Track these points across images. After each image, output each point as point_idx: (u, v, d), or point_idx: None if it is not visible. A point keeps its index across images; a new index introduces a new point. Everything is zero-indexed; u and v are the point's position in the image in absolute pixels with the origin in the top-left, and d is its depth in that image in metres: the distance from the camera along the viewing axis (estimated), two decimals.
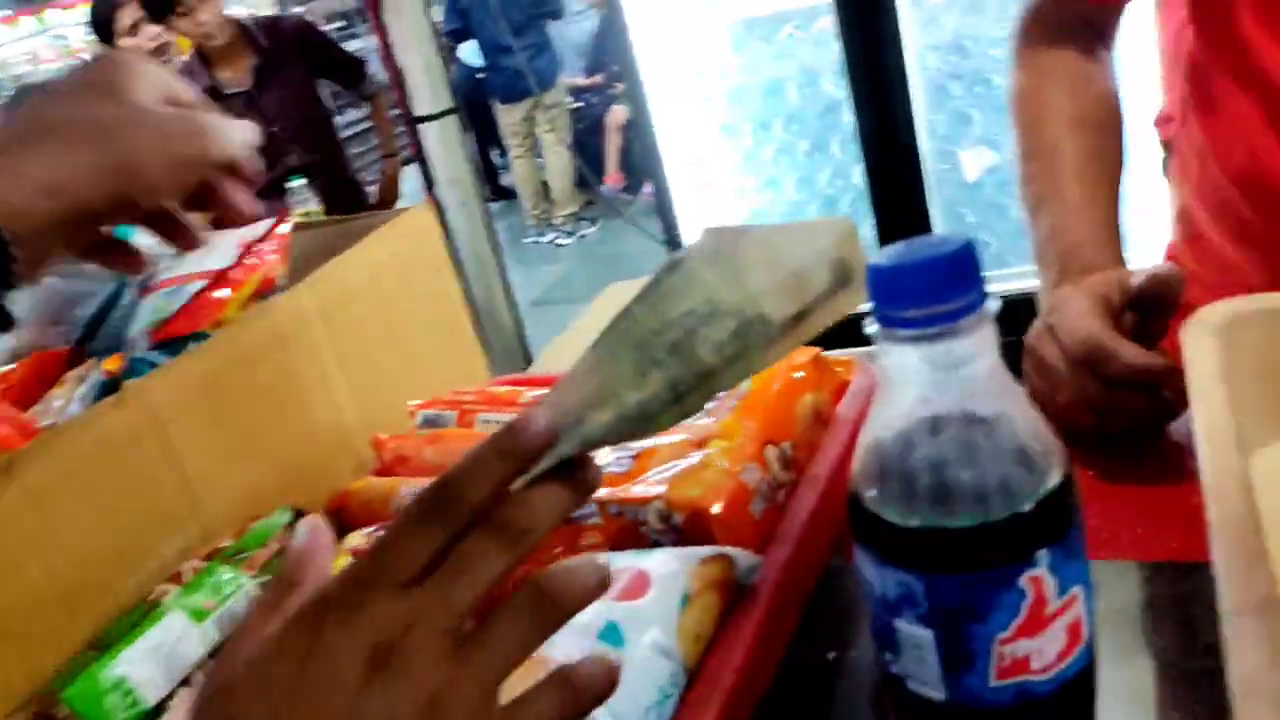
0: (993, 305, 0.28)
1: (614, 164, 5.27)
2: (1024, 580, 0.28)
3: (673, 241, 2.24)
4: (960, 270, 0.28)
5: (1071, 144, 0.68)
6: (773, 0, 2.14)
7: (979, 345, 0.28)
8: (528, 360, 2.82)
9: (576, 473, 0.31)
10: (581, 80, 5.45)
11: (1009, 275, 2.14)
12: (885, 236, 2.09)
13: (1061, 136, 0.68)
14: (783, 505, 0.49)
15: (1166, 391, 0.52)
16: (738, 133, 2.21)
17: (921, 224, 2.06)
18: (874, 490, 0.30)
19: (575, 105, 5.36)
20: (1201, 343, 0.50)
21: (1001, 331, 0.30)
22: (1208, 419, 0.44)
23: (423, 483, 0.59)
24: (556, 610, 0.29)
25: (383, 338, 0.73)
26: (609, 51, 5.30)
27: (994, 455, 0.29)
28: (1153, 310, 0.54)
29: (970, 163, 2.08)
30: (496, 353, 2.46)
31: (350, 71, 2.78)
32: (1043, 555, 0.28)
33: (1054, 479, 0.29)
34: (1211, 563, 0.37)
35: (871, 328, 0.30)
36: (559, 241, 5.18)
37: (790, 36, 2.13)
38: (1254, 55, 0.60)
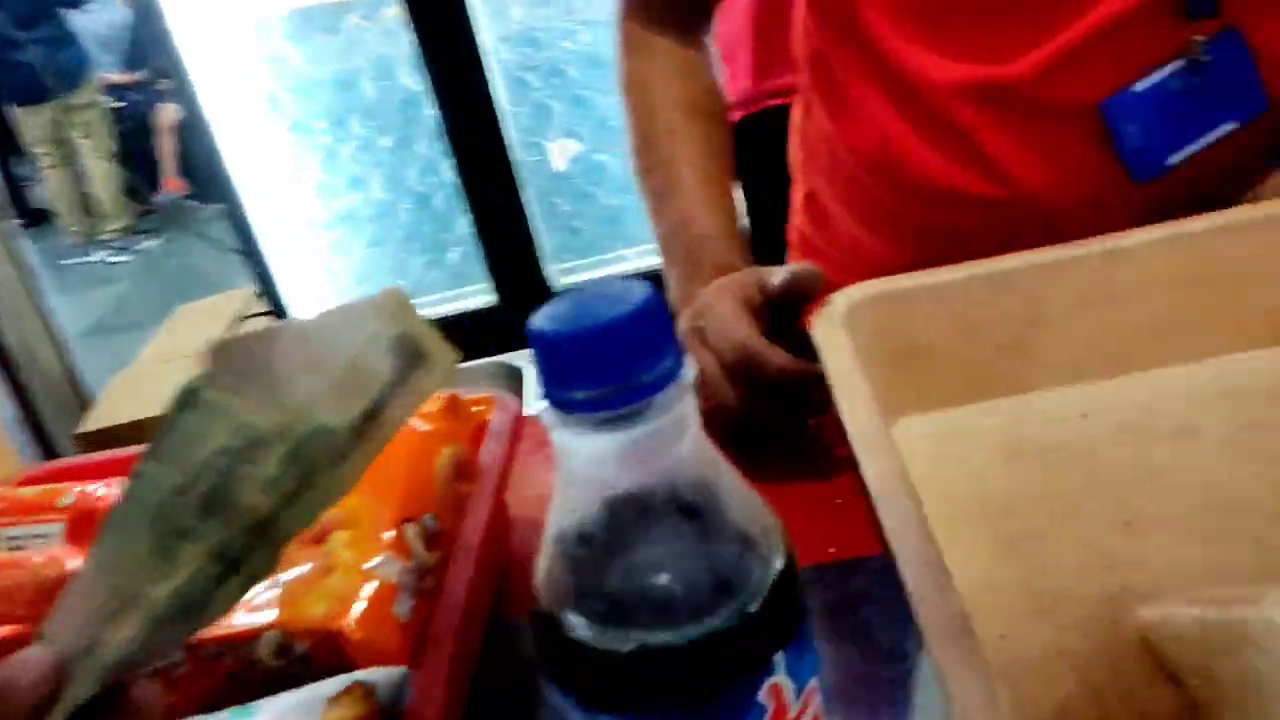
0: (689, 371, 0.23)
1: (171, 168, 4.71)
2: (763, 693, 0.23)
3: (250, 251, 2.02)
4: (648, 333, 0.22)
5: (686, 133, 0.67)
6: None
7: (678, 421, 0.22)
8: (83, 403, 2.40)
9: (118, 703, 0.21)
10: (118, 77, 4.78)
11: (607, 260, 2.21)
12: (483, 230, 2.06)
13: (676, 125, 0.67)
14: (432, 591, 0.40)
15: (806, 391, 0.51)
16: (310, 130, 2.04)
17: (516, 215, 2.05)
18: (568, 609, 0.24)
19: (115, 105, 4.70)
20: (830, 329, 0.50)
21: None
22: (849, 396, 0.44)
23: None
24: None
25: None
26: (146, 44, 4.71)
27: (711, 547, 0.23)
28: (789, 307, 0.53)
29: (557, 153, 2.11)
30: (40, 399, 2.06)
31: None
32: (779, 658, 0.23)
33: (779, 562, 0.24)
34: (890, 556, 0.36)
35: (540, 404, 0.23)
36: (110, 260, 4.53)
37: (356, 26, 1.99)
38: (880, 49, 0.62)
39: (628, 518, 0.23)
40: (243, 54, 1.97)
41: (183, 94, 1.96)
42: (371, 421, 0.28)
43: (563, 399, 0.22)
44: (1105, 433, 0.50)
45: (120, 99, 4.76)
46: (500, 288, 2.11)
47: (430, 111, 1.95)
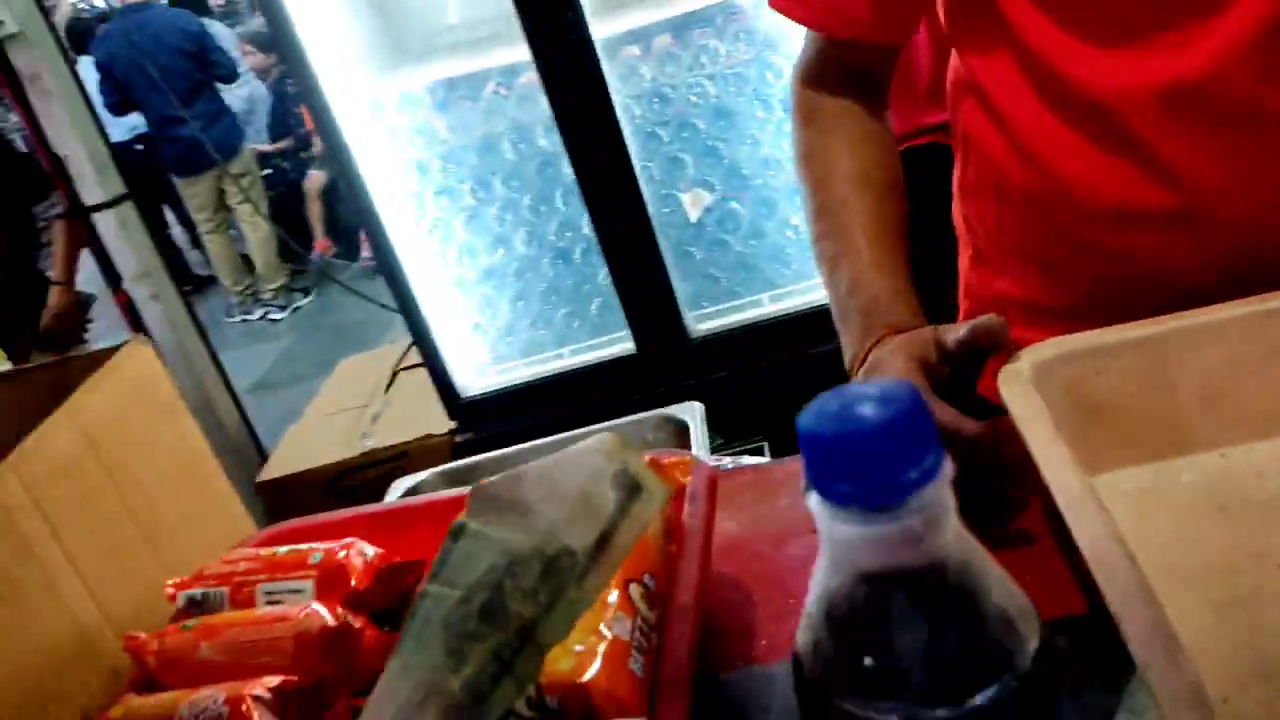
0: (948, 468, 0.25)
1: (319, 230, 5.00)
2: None
3: (406, 306, 2.13)
4: (911, 433, 0.24)
5: (859, 202, 0.69)
6: (470, 60, 2.11)
7: (938, 513, 0.24)
8: (261, 454, 2.57)
9: None
10: (267, 146, 5.13)
11: (742, 305, 2.24)
12: (620, 282, 2.11)
13: (850, 195, 0.68)
14: (658, 648, 0.43)
15: (986, 455, 0.51)
16: (456, 193, 2.15)
17: (655, 266, 2.10)
18: (838, 682, 0.26)
19: (265, 172, 5.04)
20: (1018, 389, 0.51)
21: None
22: (1044, 451, 0.44)
23: (208, 694, 0.48)
24: None
25: (117, 509, 0.60)
26: (289, 116, 5.03)
27: (971, 628, 0.25)
28: (970, 361, 0.54)
29: (690, 203, 2.15)
30: (219, 450, 2.21)
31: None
32: None
33: (1034, 642, 0.26)
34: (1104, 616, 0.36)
35: (809, 493, 0.26)
36: (272, 316, 4.83)
37: (494, 94, 2.10)
38: (1035, 53, 0.61)
39: (893, 598, 0.25)
40: (392, 122, 2.10)
41: (337, 162, 2.09)
42: (605, 545, 0.34)
43: (832, 491, 0.24)
44: None
45: (268, 166, 5.11)
46: (638, 336, 2.16)
47: (567, 170, 2.03)
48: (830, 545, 0.26)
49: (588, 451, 0.36)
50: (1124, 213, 0.62)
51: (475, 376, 2.26)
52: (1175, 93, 0.58)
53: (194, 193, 4.70)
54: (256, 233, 4.80)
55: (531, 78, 1.99)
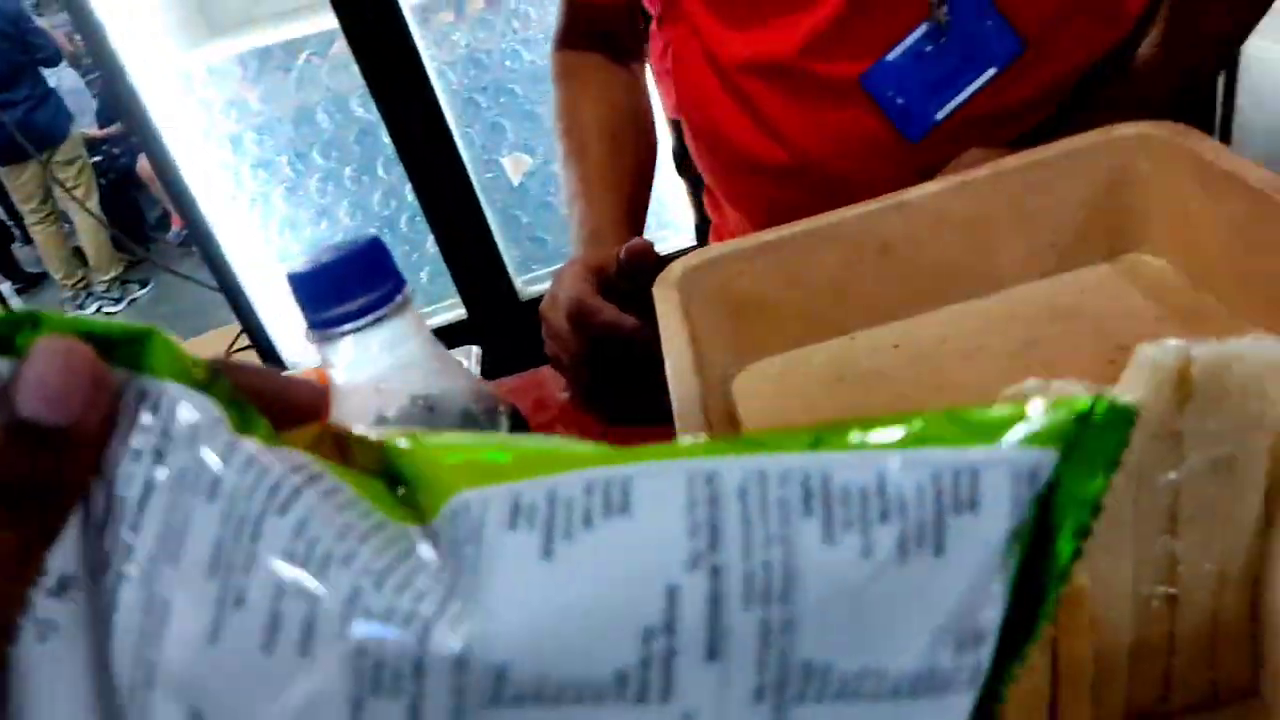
0: (408, 291, 0.31)
1: (174, 207, 4.82)
2: None
3: (226, 284, 2.11)
4: (369, 265, 0.30)
5: (596, 148, 0.76)
6: (281, 30, 2.09)
7: (405, 329, 0.31)
8: None
9: None
10: (94, 132, 4.90)
11: None
12: (447, 249, 2.14)
13: (589, 143, 0.76)
14: None
15: (641, 348, 0.59)
16: (275, 166, 2.13)
17: (481, 232, 2.13)
18: None
19: (94, 160, 4.81)
20: (665, 293, 0.58)
21: None
22: (674, 360, 0.52)
23: None
24: None
25: None
26: (110, 99, 4.81)
27: (447, 423, 0.32)
28: (638, 274, 0.62)
29: (512, 168, 2.19)
30: None
31: None
32: None
33: (505, 426, 0.33)
34: None
35: (309, 335, 0.32)
36: (106, 310, 4.63)
37: (307, 63, 2.08)
38: (697, 27, 0.71)
39: (392, 408, 0.32)
40: (203, 98, 2.07)
41: (149, 143, 2.05)
42: None
43: (316, 321, 0.30)
44: (911, 359, 0.58)
45: (99, 153, 4.87)
46: (469, 302, 2.20)
47: (386, 139, 2.04)
48: (331, 376, 0.32)
49: None
50: (760, 166, 0.72)
51: (308, 352, 2.26)
52: (775, 68, 0.68)
53: (19, 183, 4.45)
54: (88, 222, 4.59)
55: (344, 46, 1.99)
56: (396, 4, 1.93)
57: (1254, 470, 0.29)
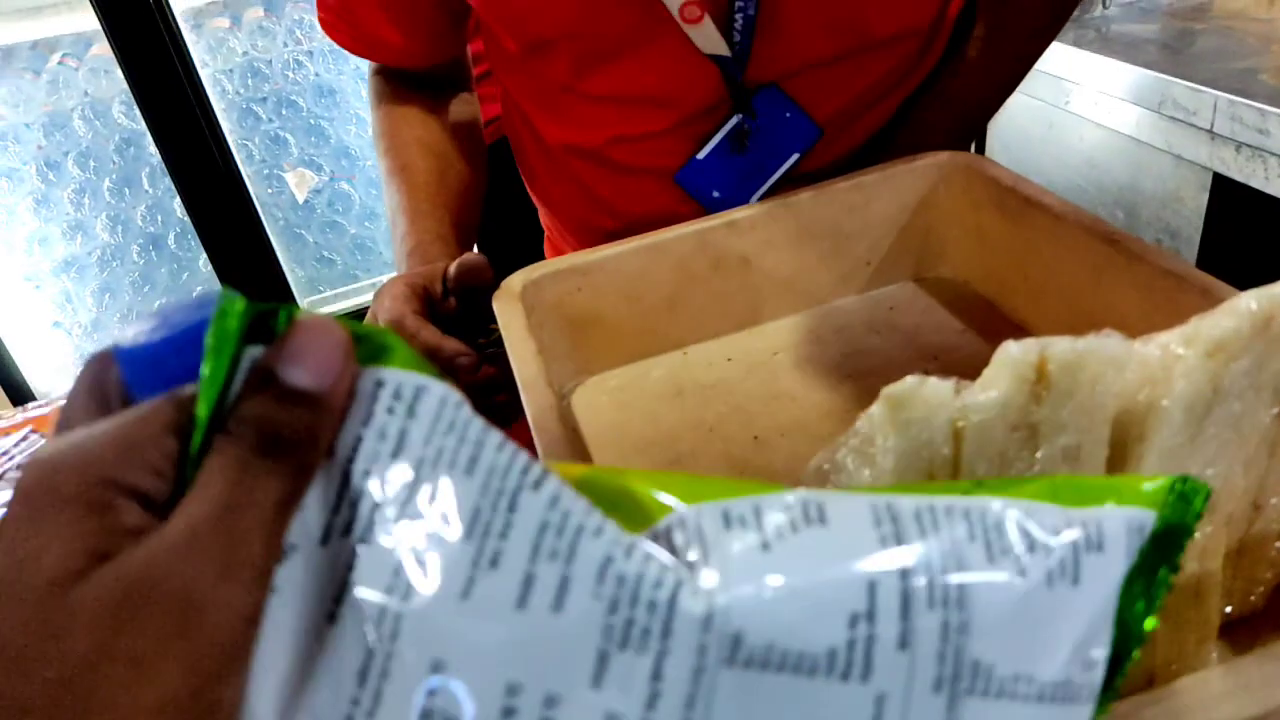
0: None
1: None
2: None
3: None
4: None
5: (420, 164, 0.74)
6: (29, 27, 1.89)
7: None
8: None
9: None
10: None
11: (362, 288, 2.21)
12: (222, 268, 2.00)
13: (412, 160, 0.73)
14: None
15: (468, 371, 0.58)
16: (20, 176, 1.92)
17: (263, 251, 2.01)
18: None
19: None
20: (508, 306, 0.57)
21: None
22: (522, 369, 0.51)
23: None
24: None
25: None
26: None
27: None
28: (469, 292, 0.60)
29: (295, 184, 2.09)
30: None
31: None
32: None
33: None
34: None
35: None
36: None
37: (61, 65, 1.90)
38: (522, 111, 0.74)
39: None
40: None
41: None
42: None
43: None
44: (744, 371, 0.60)
45: None
46: None
47: (153, 149, 1.89)
48: None
49: None
50: (590, 228, 0.75)
51: (60, 380, 2.04)
52: (593, 153, 0.71)
53: None
54: None
55: (105, 49, 1.82)
56: (166, 6, 1.80)
57: (1096, 457, 0.32)
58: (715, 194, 0.68)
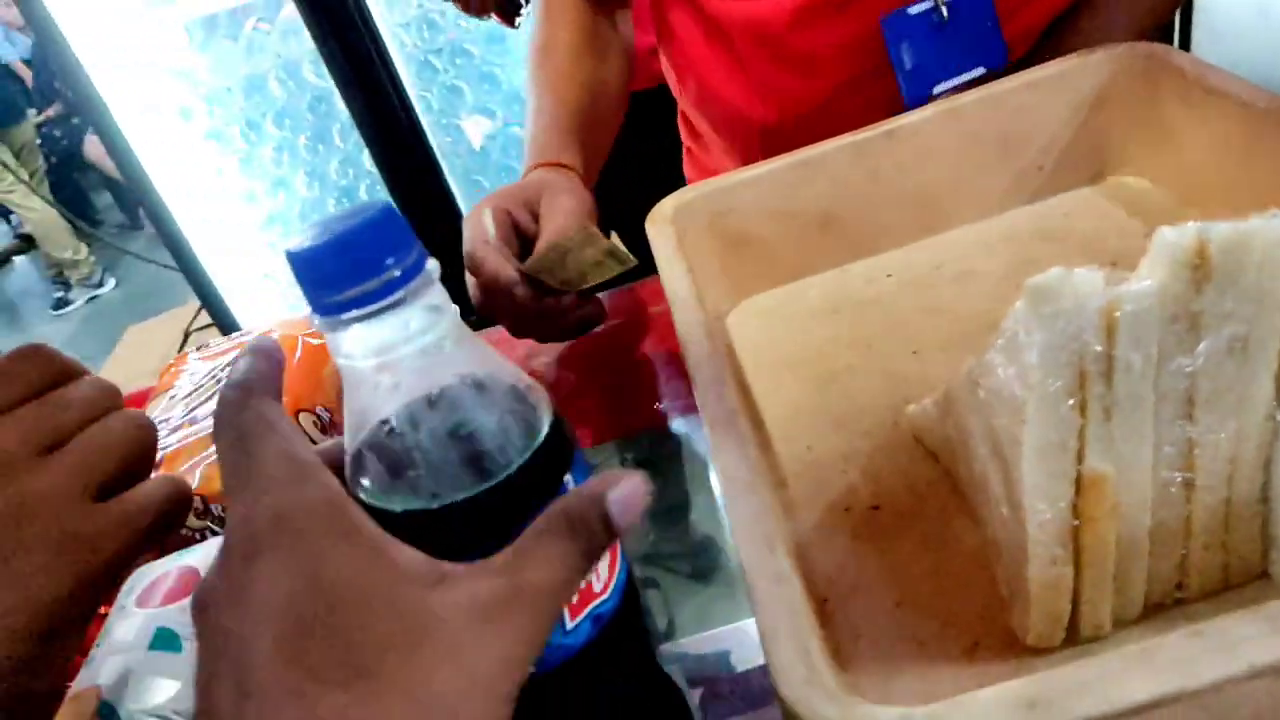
0: (433, 265, 0.27)
1: None
2: None
3: (183, 260, 2.06)
4: (383, 238, 0.25)
5: (559, 88, 0.76)
6: None
7: (430, 310, 0.26)
8: None
9: None
10: (34, 116, 4.73)
11: None
12: (410, 216, 2.11)
13: (563, 62, 0.76)
14: None
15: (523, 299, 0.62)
16: (226, 137, 2.08)
17: (442, 198, 2.11)
18: (381, 488, 0.28)
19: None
20: (661, 229, 0.58)
21: None
22: (673, 287, 0.52)
23: None
24: None
25: None
26: (52, 77, 4.64)
27: (488, 414, 0.28)
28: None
29: (472, 131, 2.16)
30: None
31: None
32: (567, 479, 0.29)
33: (546, 416, 0.29)
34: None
35: (315, 321, 0.27)
36: (92, 296, 4.44)
37: (255, 30, 2.03)
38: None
39: (414, 405, 0.28)
40: (151, 69, 2.01)
41: (96, 121, 1.99)
42: None
43: (325, 306, 0.26)
44: (905, 286, 0.59)
45: (40, 137, 4.71)
46: None
47: (341, 106, 2.00)
48: (341, 363, 0.27)
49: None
50: (746, 123, 0.74)
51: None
52: (759, 33, 0.70)
53: None
54: (35, 210, 4.42)
55: (292, 11, 1.94)
56: None
57: (1268, 350, 0.30)
58: (908, 57, 0.66)
